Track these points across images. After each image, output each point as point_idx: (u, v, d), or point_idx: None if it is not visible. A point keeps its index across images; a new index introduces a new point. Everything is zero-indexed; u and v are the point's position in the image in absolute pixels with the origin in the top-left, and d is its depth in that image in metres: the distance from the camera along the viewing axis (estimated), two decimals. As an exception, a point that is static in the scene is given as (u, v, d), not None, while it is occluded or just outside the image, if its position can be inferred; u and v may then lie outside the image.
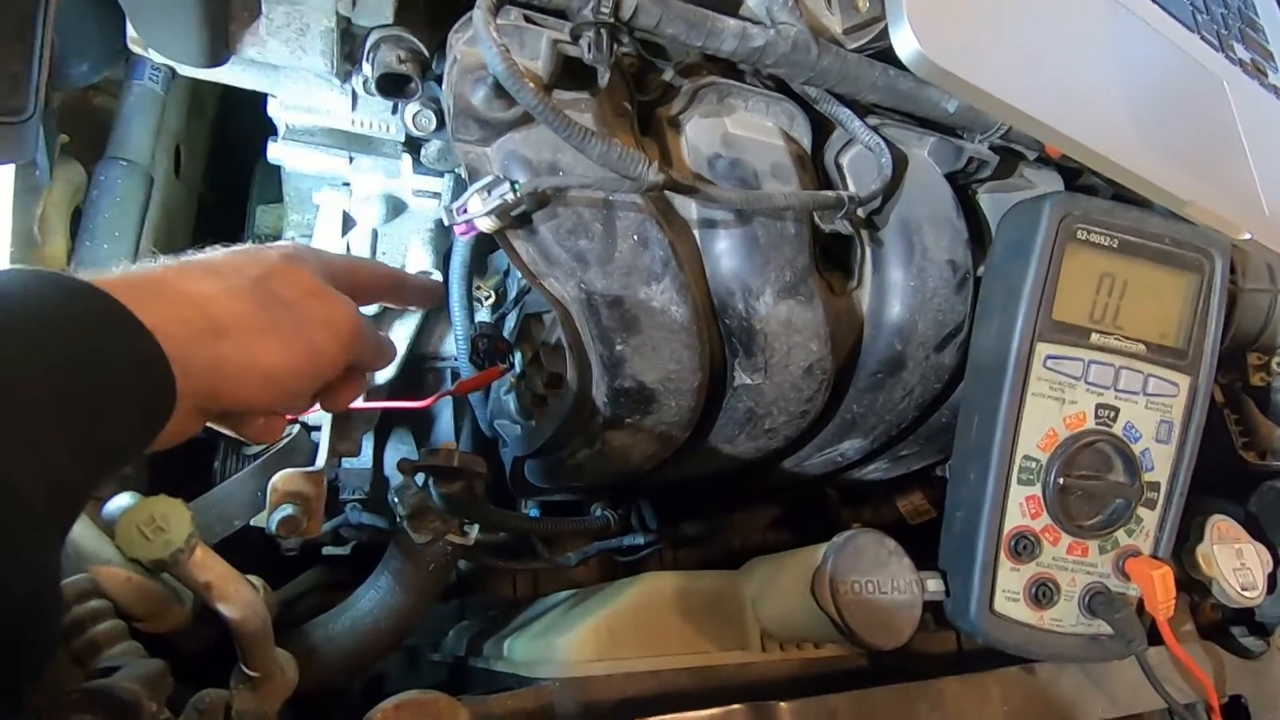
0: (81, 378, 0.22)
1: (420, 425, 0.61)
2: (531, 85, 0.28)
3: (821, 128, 0.42)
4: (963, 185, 0.43)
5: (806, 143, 0.40)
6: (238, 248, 0.32)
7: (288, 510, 0.40)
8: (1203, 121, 0.38)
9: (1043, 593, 0.35)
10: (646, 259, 0.33)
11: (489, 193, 0.30)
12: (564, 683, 0.34)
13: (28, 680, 0.20)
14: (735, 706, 0.30)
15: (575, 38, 0.30)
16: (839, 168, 0.41)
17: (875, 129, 0.40)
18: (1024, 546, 0.35)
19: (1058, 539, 0.35)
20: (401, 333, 0.57)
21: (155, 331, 0.24)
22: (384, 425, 0.60)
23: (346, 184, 0.52)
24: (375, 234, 0.52)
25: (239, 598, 0.29)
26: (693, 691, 0.34)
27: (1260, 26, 0.50)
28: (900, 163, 0.40)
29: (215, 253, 0.31)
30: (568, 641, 0.37)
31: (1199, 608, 0.49)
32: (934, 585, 0.35)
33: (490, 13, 0.28)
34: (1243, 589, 0.42)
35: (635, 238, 0.32)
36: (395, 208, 0.53)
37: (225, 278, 0.29)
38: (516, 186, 0.29)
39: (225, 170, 0.65)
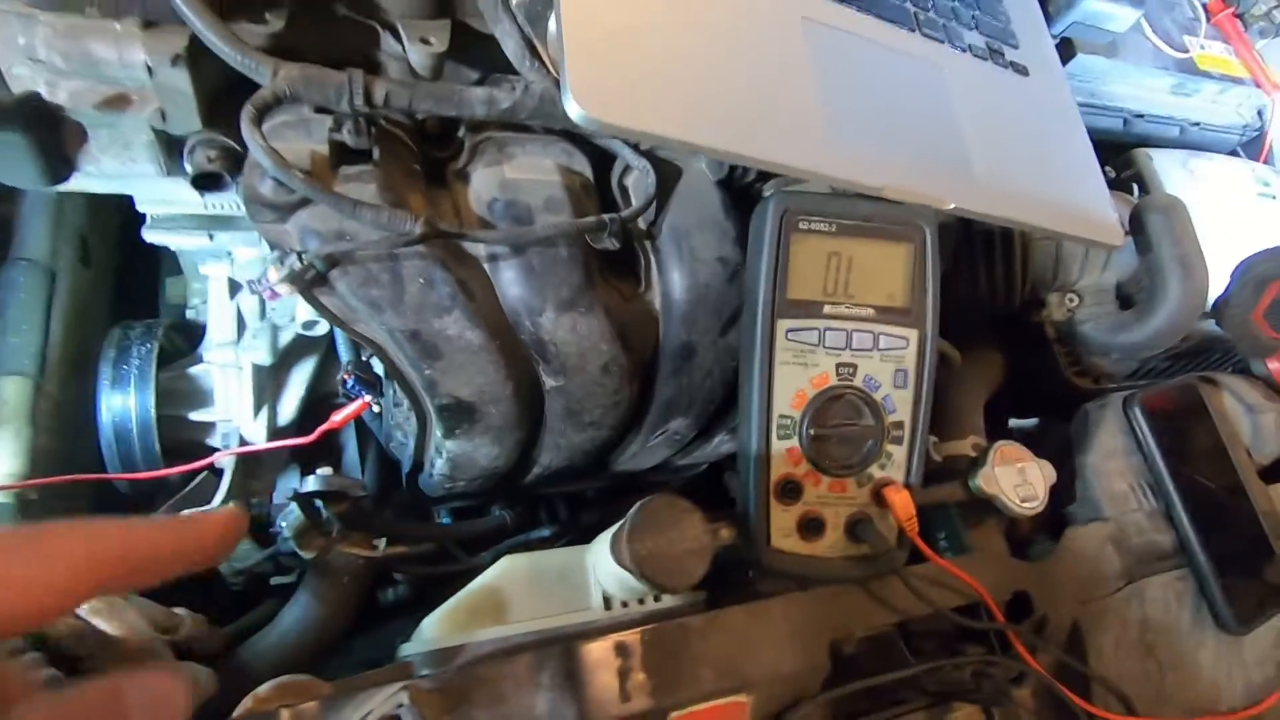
0: None
1: (333, 457, 0.68)
2: (298, 173, 0.35)
3: (607, 156, 0.48)
4: (743, 188, 0.49)
5: (589, 173, 0.47)
6: None
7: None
8: (908, 111, 0.45)
9: (811, 527, 0.42)
10: (434, 296, 0.39)
11: (281, 263, 0.36)
12: (422, 656, 0.40)
13: None
14: (548, 649, 0.36)
15: (339, 126, 0.37)
16: (623, 188, 0.48)
17: (650, 151, 0.47)
18: (790, 490, 0.41)
19: (818, 481, 0.42)
20: (300, 375, 0.64)
21: None
22: (309, 461, 0.66)
23: (229, 253, 0.59)
24: (261, 296, 0.59)
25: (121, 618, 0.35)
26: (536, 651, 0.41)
27: (1003, 12, 0.56)
28: (671, 177, 0.47)
29: None
30: (430, 621, 0.43)
31: (1016, 525, 0.56)
32: (726, 533, 0.42)
33: (254, 119, 0.34)
34: (1023, 501, 0.49)
35: (422, 280, 0.39)
36: (272, 268, 0.59)
37: None
38: (304, 255, 0.36)
39: (140, 244, 0.72)
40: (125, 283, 0.69)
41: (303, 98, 0.36)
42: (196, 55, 0.37)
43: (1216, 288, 0.60)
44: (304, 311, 0.60)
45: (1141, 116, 0.70)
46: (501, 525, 0.61)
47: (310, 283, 0.37)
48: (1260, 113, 0.76)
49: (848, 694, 0.41)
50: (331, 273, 0.38)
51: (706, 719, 0.38)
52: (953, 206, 0.43)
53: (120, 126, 0.39)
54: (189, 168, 0.41)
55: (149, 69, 0.36)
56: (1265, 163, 0.78)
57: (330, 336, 0.63)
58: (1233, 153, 0.79)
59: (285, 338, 0.62)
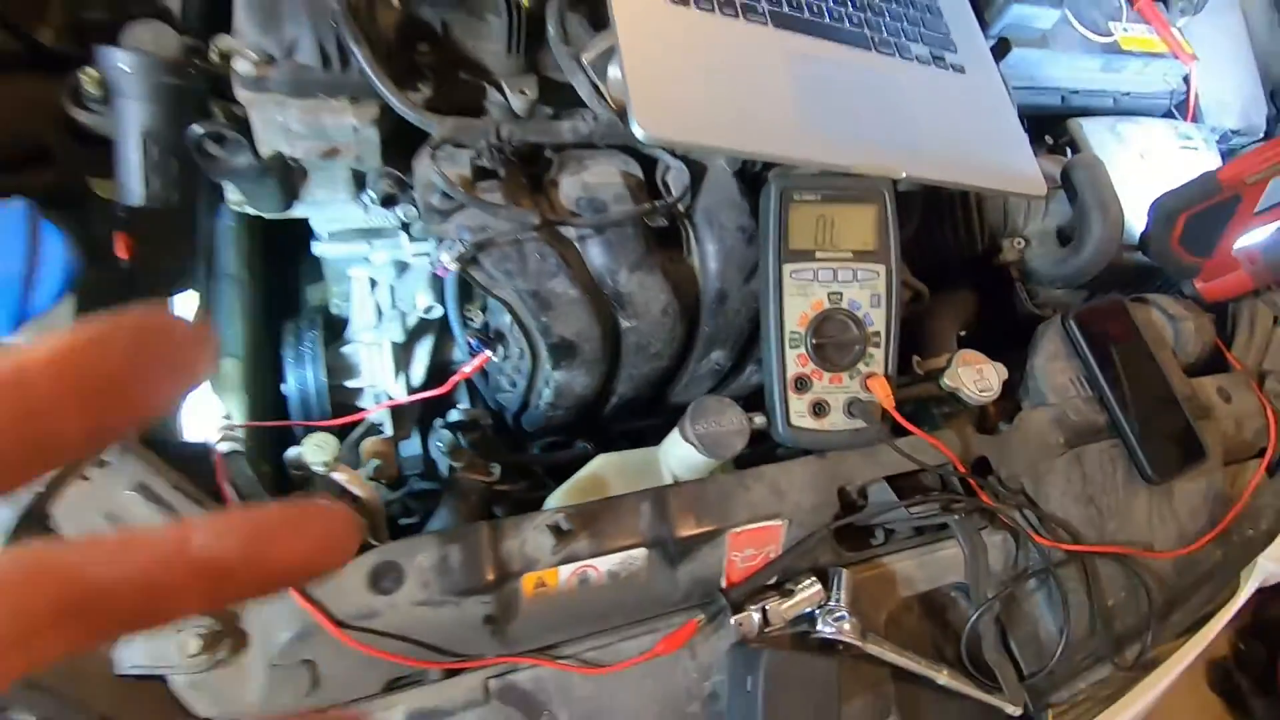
0: None
1: (449, 412, 0.87)
2: (459, 188, 0.54)
3: (652, 161, 0.66)
4: (753, 175, 0.67)
5: (640, 174, 0.65)
6: None
7: (376, 462, 0.66)
8: (869, 109, 0.62)
9: (819, 409, 0.59)
10: (547, 265, 0.58)
11: (449, 248, 0.55)
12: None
13: None
14: (645, 492, 0.54)
15: (479, 155, 0.56)
16: (665, 184, 0.66)
17: (684, 155, 0.65)
18: (801, 384, 0.59)
19: (821, 376, 0.59)
20: (423, 349, 0.83)
21: None
22: (425, 421, 0.85)
23: (367, 259, 0.78)
24: (391, 288, 0.78)
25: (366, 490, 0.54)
26: (629, 508, 0.58)
27: (943, 25, 0.73)
28: (700, 172, 0.65)
29: None
30: (550, 500, 0.61)
31: (985, 416, 0.73)
32: (759, 420, 0.60)
33: (431, 154, 0.53)
34: (980, 391, 0.66)
35: (538, 255, 0.58)
36: (402, 268, 0.79)
37: None
38: (463, 240, 0.55)
39: (279, 265, 0.92)
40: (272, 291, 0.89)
41: (456, 138, 0.55)
42: (382, 117, 0.56)
43: (1141, 228, 0.76)
44: (423, 300, 0.80)
45: (1076, 93, 0.86)
46: (584, 454, 0.80)
47: (467, 261, 0.56)
48: (1185, 79, 0.91)
49: (849, 524, 0.58)
50: (479, 254, 0.56)
51: (754, 535, 0.55)
52: (905, 175, 0.60)
53: (331, 169, 0.58)
54: (373, 192, 0.60)
55: (355, 129, 0.55)
56: (1194, 120, 0.93)
57: (443, 319, 0.82)
58: (1167, 114, 0.94)
59: (411, 321, 0.81)
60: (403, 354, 0.82)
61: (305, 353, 0.77)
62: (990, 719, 0.61)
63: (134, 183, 0.52)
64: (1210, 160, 0.84)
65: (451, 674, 0.49)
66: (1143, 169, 0.81)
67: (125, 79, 0.50)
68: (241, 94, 0.53)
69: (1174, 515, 0.70)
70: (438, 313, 0.80)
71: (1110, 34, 0.85)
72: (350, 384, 0.81)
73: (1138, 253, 0.79)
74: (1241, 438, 0.76)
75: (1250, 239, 0.76)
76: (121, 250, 0.52)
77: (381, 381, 0.80)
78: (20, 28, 0.62)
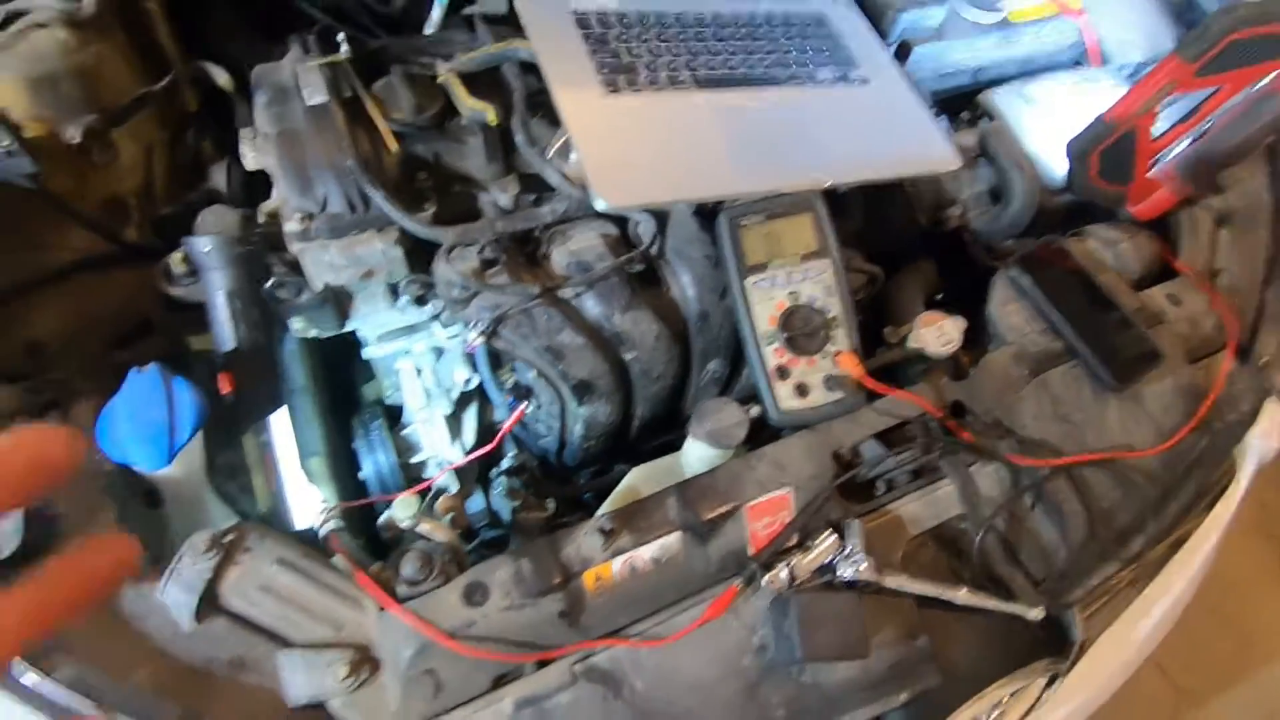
0: None
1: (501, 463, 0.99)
2: (472, 279, 0.67)
3: (623, 220, 0.79)
4: (708, 212, 0.79)
5: (616, 232, 0.77)
6: None
7: (450, 515, 0.79)
8: (789, 136, 0.74)
9: (801, 390, 0.70)
10: (554, 324, 0.71)
11: (474, 328, 0.68)
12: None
13: None
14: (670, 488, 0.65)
15: (483, 250, 0.69)
16: (637, 235, 0.78)
17: (646, 209, 0.77)
18: (782, 372, 0.70)
19: (798, 362, 0.70)
20: (469, 416, 0.96)
21: None
22: (483, 477, 0.98)
23: (408, 351, 0.92)
24: (434, 371, 0.92)
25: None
26: (664, 507, 0.70)
27: (844, 47, 0.85)
28: (664, 218, 0.77)
29: None
30: (598, 512, 0.73)
31: (959, 367, 0.82)
32: (755, 410, 0.71)
33: (446, 258, 0.67)
34: (943, 345, 0.76)
35: (545, 317, 0.70)
36: (439, 353, 0.93)
37: None
38: (483, 319, 0.68)
39: (337, 374, 1.07)
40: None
41: (463, 241, 0.69)
42: (403, 237, 0.70)
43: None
44: (461, 375, 0.93)
45: (984, 69, 0.97)
46: (622, 475, 0.91)
47: (489, 335, 0.69)
48: (1079, 32, 1.01)
49: (852, 478, 0.68)
50: (498, 327, 0.70)
51: (767, 506, 0.66)
52: (830, 183, 0.72)
53: (370, 287, 0.73)
54: (405, 297, 0.74)
55: (383, 252, 0.70)
56: (1102, 64, 1.02)
57: (480, 387, 0.95)
58: (1076, 63, 1.04)
59: (455, 394, 0.95)
60: (453, 423, 0.96)
61: (374, 440, 0.92)
62: (1015, 628, 0.69)
63: (226, 333, 0.67)
64: (1117, 93, 0.93)
65: (542, 664, 0.61)
66: (1055, 120, 0.91)
67: (207, 257, 0.66)
68: (293, 246, 0.68)
69: (1147, 416, 0.78)
70: (475, 382, 0.94)
71: (999, 10, 0.96)
72: (415, 459, 0.94)
73: (1069, 193, 0.88)
74: (1201, 334, 0.83)
75: (1163, 159, 0.85)
76: (225, 387, 0.66)
77: (440, 450, 0.94)
78: (113, 232, 0.79)
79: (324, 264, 0.69)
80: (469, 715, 0.58)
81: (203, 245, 0.65)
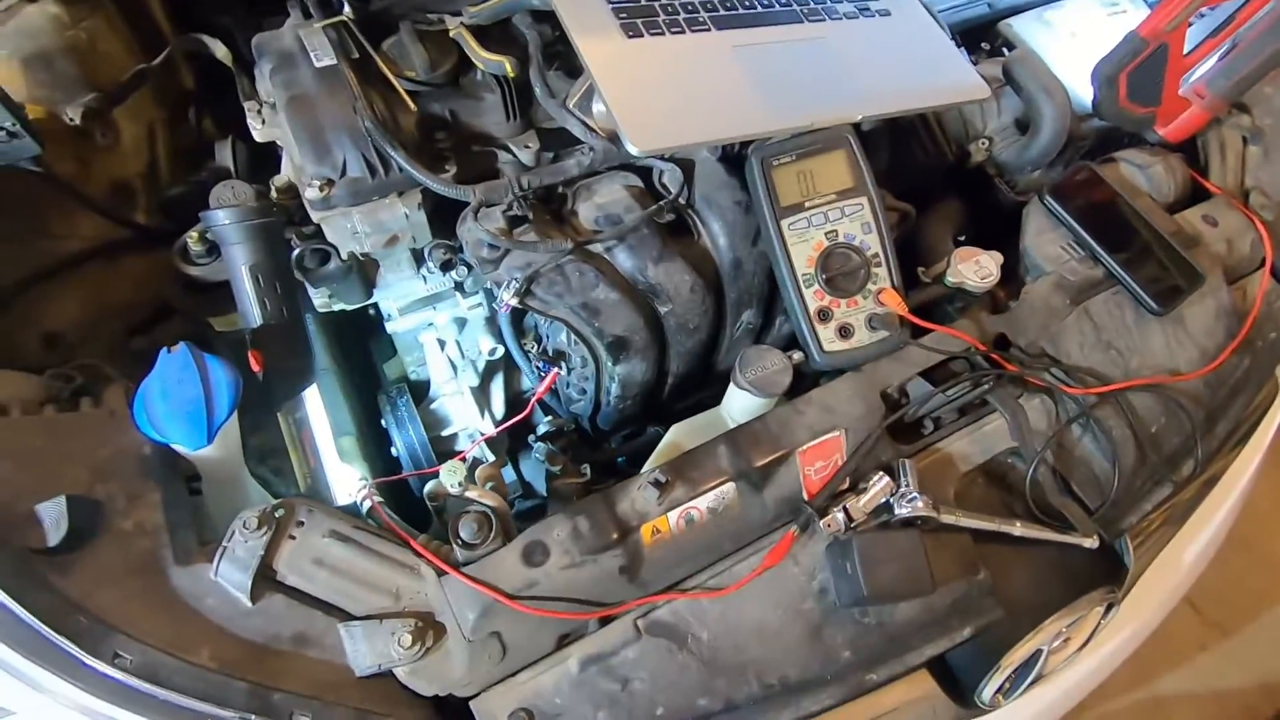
0: None
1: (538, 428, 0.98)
2: (502, 236, 0.65)
3: (647, 170, 0.77)
4: (734, 156, 0.77)
5: (641, 183, 0.75)
6: None
7: (491, 484, 0.77)
8: (814, 71, 0.71)
9: (844, 331, 0.68)
10: (587, 279, 0.69)
11: (506, 289, 0.66)
12: (650, 483, 0.69)
13: None
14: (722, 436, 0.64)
15: (509, 207, 0.67)
16: (663, 185, 0.76)
17: (672, 157, 0.75)
18: (824, 315, 0.68)
19: (839, 304, 0.69)
20: (497, 386, 0.95)
21: None
22: (513, 449, 0.97)
23: (431, 324, 0.90)
24: (458, 342, 0.90)
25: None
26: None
27: (861, -19, 0.82)
28: (689, 167, 0.75)
29: None
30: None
31: (996, 301, 0.81)
32: (798, 356, 0.69)
33: (474, 217, 0.65)
34: (982, 279, 0.74)
35: (578, 273, 0.69)
36: (461, 324, 0.91)
37: None
38: (515, 280, 0.66)
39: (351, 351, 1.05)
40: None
41: (490, 200, 0.66)
42: (425, 200, 0.68)
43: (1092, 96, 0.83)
44: (486, 344, 0.91)
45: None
46: (657, 436, 0.90)
47: (523, 294, 0.67)
48: (1099, -46, 0.98)
49: (900, 418, 0.67)
50: (531, 286, 0.68)
51: (819, 450, 0.65)
52: (860, 117, 0.70)
53: (395, 254, 0.71)
54: (432, 263, 0.72)
55: (406, 216, 0.68)
56: (1119, -13, 1.00)
57: (505, 358, 0.93)
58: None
59: (480, 365, 0.93)
60: (481, 395, 0.94)
61: (403, 416, 0.90)
62: (1069, 558, 0.69)
63: (252, 308, 0.65)
64: (1139, 18, 0.90)
65: (605, 622, 0.60)
66: (1077, 46, 0.88)
67: (227, 230, 0.63)
68: (314, 214, 0.66)
69: (1190, 338, 0.77)
70: (500, 352, 0.92)
71: (1015, -63, 0.93)
72: (445, 433, 0.93)
73: (1096, 120, 0.86)
74: (1238, 255, 0.82)
75: (1192, 78, 0.83)
76: (255, 365, 0.65)
77: (471, 422, 0.92)
78: (120, 216, 0.77)
79: (347, 232, 0.67)
80: (535, 676, 0.57)
81: (221, 218, 0.63)
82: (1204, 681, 1.44)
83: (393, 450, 0.90)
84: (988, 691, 0.68)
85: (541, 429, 0.81)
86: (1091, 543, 0.68)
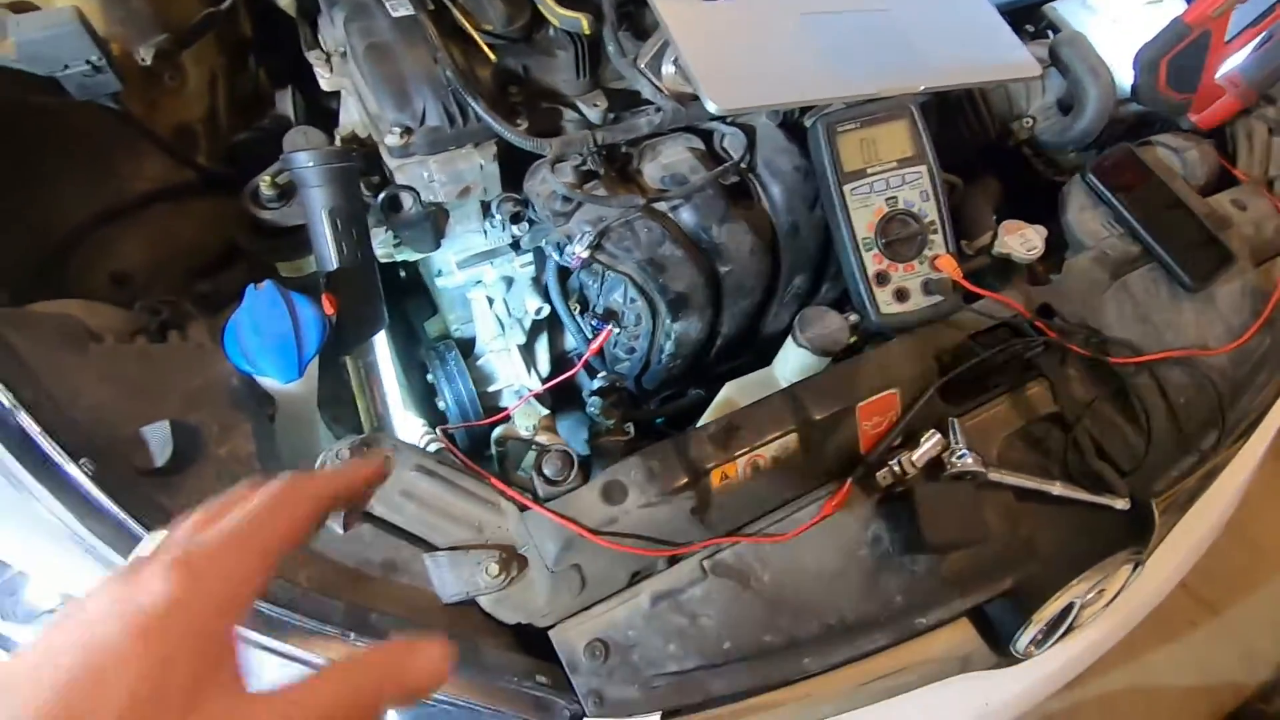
0: None
1: (575, 392, 1.00)
2: (575, 189, 0.67)
3: (710, 134, 0.79)
4: (793, 123, 0.79)
5: (704, 146, 0.77)
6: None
7: (548, 434, 0.79)
8: (877, 42, 0.73)
9: (900, 295, 0.71)
10: (654, 236, 0.71)
11: (578, 241, 0.68)
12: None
13: None
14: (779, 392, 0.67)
15: (583, 162, 0.69)
16: (724, 149, 0.78)
17: (734, 121, 0.77)
18: (881, 278, 0.71)
19: (896, 268, 0.71)
20: (542, 345, 0.97)
21: None
22: (555, 407, 0.98)
23: (480, 281, 0.92)
24: (505, 301, 0.92)
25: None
26: (767, 414, 0.71)
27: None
28: (750, 132, 0.77)
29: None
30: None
31: (1035, 274, 0.84)
32: (854, 316, 0.72)
33: (551, 169, 0.66)
34: (1028, 251, 0.77)
35: (646, 230, 0.70)
36: (509, 283, 0.92)
37: None
38: (587, 233, 0.68)
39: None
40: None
41: (564, 154, 0.68)
42: (499, 152, 0.69)
43: (1130, 81, 0.86)
44: (533, 304, 0.93)
45: (1044, -18, 0.97)
46: (700, 398, 0.92)
47: (594, 248, 0.69)
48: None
49: (952, 379, 0.70)
50: (601, 240, 0.70)
51: (876, 406, 0.67)
52: (922, 88, 0.72)
53: (465, 205, 0.72)
54: (499, 215, 0.73)
55: (481, 167, 0.69)
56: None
57: (550, 318, 0.95)
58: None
59: (527, 324, 0.95)
60: (527, 353, 0.96)
61: (452, 371, 0.92)
62: (1101, 520, 0.72)
63: (329, 252, 0.66)
64: (1179, 7, 0.93)
65: (674, 561, 0.62)
66: (1118, 31, 0.91)
67: (308, 172, 0.64)
68: (391, 162, 0.67)
69: (1219, 315, 0.80)
70: (546, 312, 0.94)
71: (1060, -77, 0.96)
72: (491, 389, 0.95)
73: (1132, 104, 0.90)
74: (1264, 238, 0.86)
75: (1228, 66, 0.86)
76: (329, 308, 0.66)
77: (518, 379, 0.94)
78: (187, 159, 0.77)
79: (423, 180, 0.68)
80: (610, 608, 0.60)
81: (304, 160, 0.64)
82: (1193, 656, 1.50)
83: (439, 403, 0.91)
84: (1023, 642, 0.72)
85: (596, 384, 0.83)
86: (1124, 504, 0.72)
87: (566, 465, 0.59)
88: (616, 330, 0.84)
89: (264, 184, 0.70)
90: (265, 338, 0.58)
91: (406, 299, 1.04)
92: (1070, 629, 0.76)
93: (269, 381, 0.60)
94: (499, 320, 0.93)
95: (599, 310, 0.85)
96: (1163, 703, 1.46)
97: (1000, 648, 0.73)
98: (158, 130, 0.76)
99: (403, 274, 0.99)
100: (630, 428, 0.85)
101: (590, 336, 0.86)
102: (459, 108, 0.67)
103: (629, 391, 0.92)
